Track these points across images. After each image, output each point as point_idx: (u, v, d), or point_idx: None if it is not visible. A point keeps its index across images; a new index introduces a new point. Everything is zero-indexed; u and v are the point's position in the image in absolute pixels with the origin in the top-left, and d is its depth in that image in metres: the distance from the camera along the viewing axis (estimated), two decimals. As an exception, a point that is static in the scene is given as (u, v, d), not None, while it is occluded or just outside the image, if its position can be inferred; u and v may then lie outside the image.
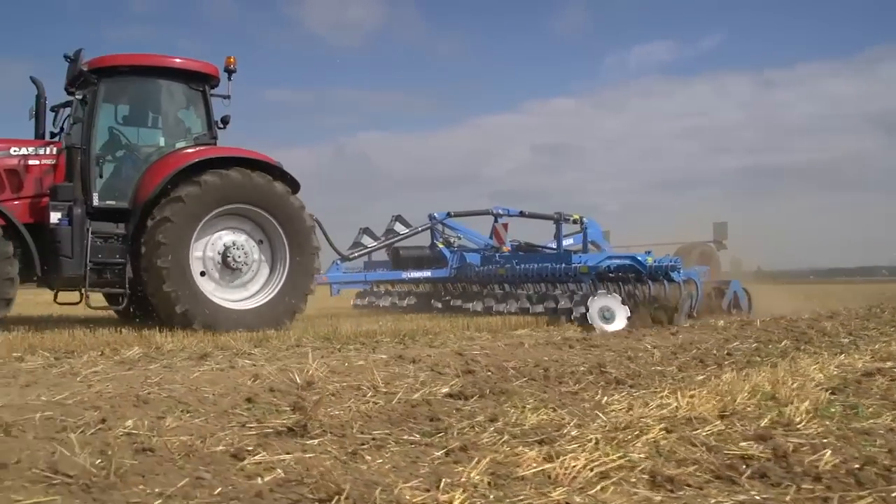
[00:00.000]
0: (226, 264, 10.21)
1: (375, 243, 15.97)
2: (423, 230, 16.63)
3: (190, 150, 10.41)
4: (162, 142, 10.81)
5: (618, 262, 14.20)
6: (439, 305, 16.44)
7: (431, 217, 16.87)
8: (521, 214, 17.77)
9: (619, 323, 12.35)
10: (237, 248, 10.26)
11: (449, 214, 16.97)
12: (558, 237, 15.08)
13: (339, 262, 15.31)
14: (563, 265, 14.02)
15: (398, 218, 16.45)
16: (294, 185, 10.76)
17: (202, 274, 10.08)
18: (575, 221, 17.96)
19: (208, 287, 10.05)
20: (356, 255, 15.67)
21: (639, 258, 14.27)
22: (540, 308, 13.76)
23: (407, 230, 16.43)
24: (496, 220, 16.14)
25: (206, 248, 10.15)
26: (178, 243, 9.55)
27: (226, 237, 10.31)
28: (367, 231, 16.50)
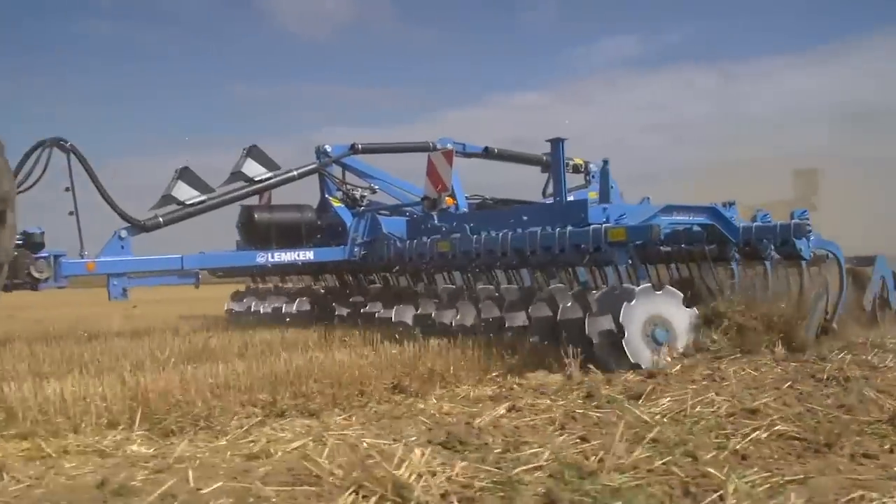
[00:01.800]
0: None
1: (202, 197, 8.33)
2: (303, 175, 9.16)
3: None
4: None
5: (681, 220, 6.92)
6: (344, 312, 9.44)
7: (321, 153, 9.43)
8: (486, 152, 10.43)
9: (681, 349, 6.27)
10: None
11: (353, 148, 9.52)
12: (561, 191, 7.55)
13: (124, 234, 7.75)
14: (572, 228, 6.70)
15: (251, 151, 8.85)
16: None
17: None
18: (577, 169, 10.80)
19: None
20: (164, 219, 8.08)
21: (722, 212, 7.02)
22: (520, 319, 6.89)
23: (270, 174, 8.88)
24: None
25: None
26: None
27: None
28: (184, 175, 8.55)
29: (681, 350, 6.34)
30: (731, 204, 8.10)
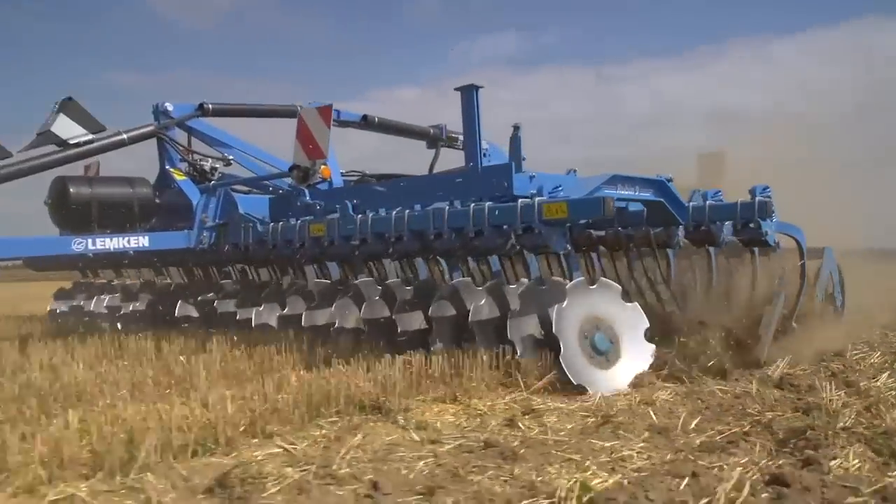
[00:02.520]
0: None
1: (89, 136, 6.24)
2: (135, 140, 7.17)
3: None
4: None
5: (625, 195, 5.48)
6: (193, 313, 7.63)
7: (160, 113, 7.44)
8: (365, 121, 8.73)
9: (632, 363, 5.03)
10: None
11: (202, 109, 7.59)
12: (475, 155, 5.87)
13: None
14: (493, 204, 5.09)
15: (65, 106, 6.71)
16: None
17: None
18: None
19: None
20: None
21: (671, 187, 5.65)
22: (417, 323, 5.52)
23: (90, 136, 6.82)
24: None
25: None
26: None
27: None
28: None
29: (633, 368, 4.94)
30: (669, 180, 6.78)
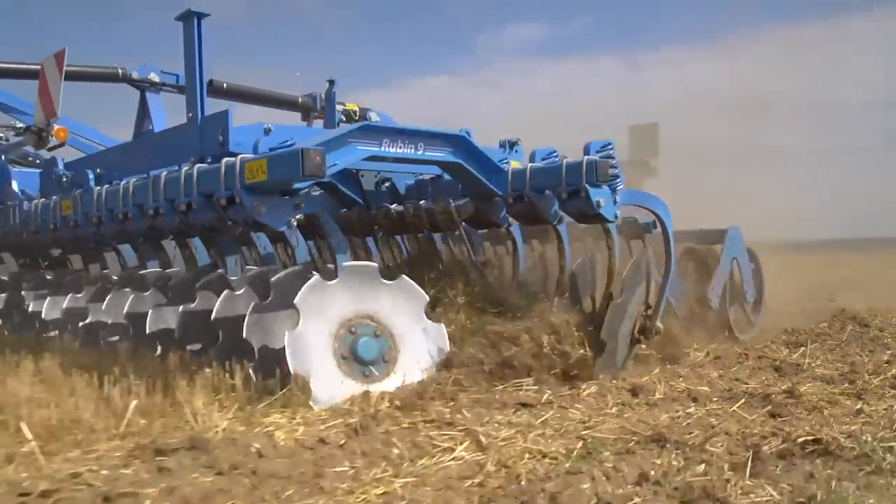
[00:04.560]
0: None
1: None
2: None
3: None
4: None
5: (403, 154, 4.10)
6: None
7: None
8: (212, 88, 7.45)
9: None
10: None
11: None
12: (195, 106, 4.48)
13: None
14: (201, 166, 3.76)
15: None
16: None
17: None
18: (350, 116, 8.17)
19: None
20: None
21: (475, 144, 4.25)
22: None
23: None
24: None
25: None
26: None
27: None
28: None
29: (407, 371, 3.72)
30: (514, 143, 5.42)
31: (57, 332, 5.20)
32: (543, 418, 3.31)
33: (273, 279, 3.96)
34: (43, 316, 5.45)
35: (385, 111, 8.57)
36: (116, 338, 4.83)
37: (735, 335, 6.10)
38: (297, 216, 3.64)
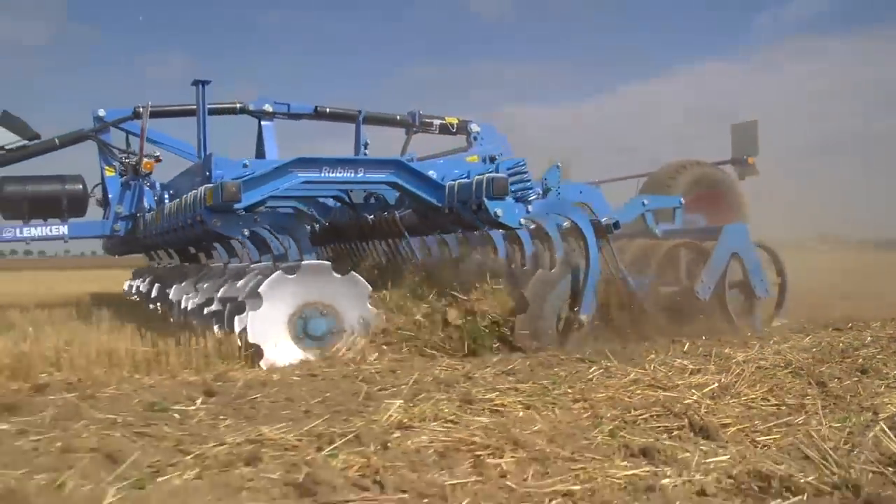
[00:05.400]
0: None
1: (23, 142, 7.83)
2: (66, 143, 8.29)
3: None
4: None
5: (343, 178, 5.43)
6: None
7: (96, 119, 8.50)
8: (317, 113, 9.14)
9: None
10: None
11: (136, 113, 8.49)
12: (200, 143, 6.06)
13: None
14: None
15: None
16: None
17: None
18: (446, 129, 9.39)
19: None
20: None
21: (411, 167, 5.48)
22: None
23: (23, 142, 8.00)
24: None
25: None
26: None
27: None
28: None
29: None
30: (494, 158, 6.36)
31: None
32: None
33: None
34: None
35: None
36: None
37: (735, 325, 6.49)
38: (251, 227, 5.01)
